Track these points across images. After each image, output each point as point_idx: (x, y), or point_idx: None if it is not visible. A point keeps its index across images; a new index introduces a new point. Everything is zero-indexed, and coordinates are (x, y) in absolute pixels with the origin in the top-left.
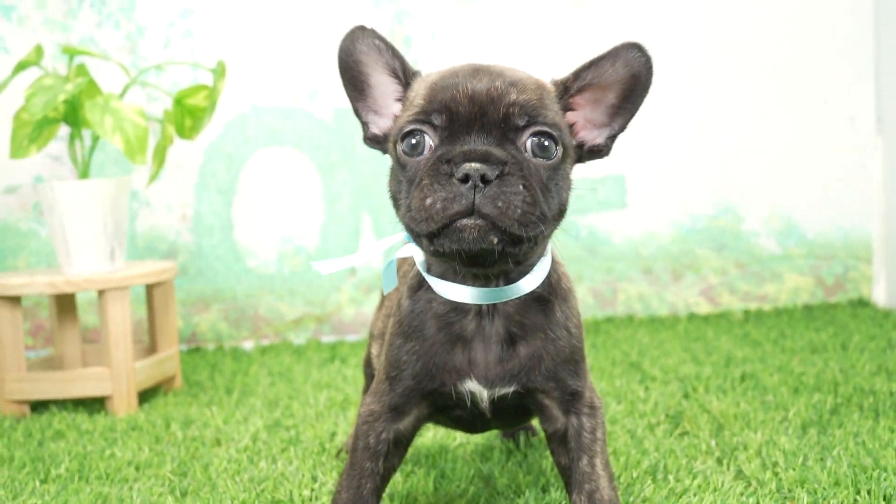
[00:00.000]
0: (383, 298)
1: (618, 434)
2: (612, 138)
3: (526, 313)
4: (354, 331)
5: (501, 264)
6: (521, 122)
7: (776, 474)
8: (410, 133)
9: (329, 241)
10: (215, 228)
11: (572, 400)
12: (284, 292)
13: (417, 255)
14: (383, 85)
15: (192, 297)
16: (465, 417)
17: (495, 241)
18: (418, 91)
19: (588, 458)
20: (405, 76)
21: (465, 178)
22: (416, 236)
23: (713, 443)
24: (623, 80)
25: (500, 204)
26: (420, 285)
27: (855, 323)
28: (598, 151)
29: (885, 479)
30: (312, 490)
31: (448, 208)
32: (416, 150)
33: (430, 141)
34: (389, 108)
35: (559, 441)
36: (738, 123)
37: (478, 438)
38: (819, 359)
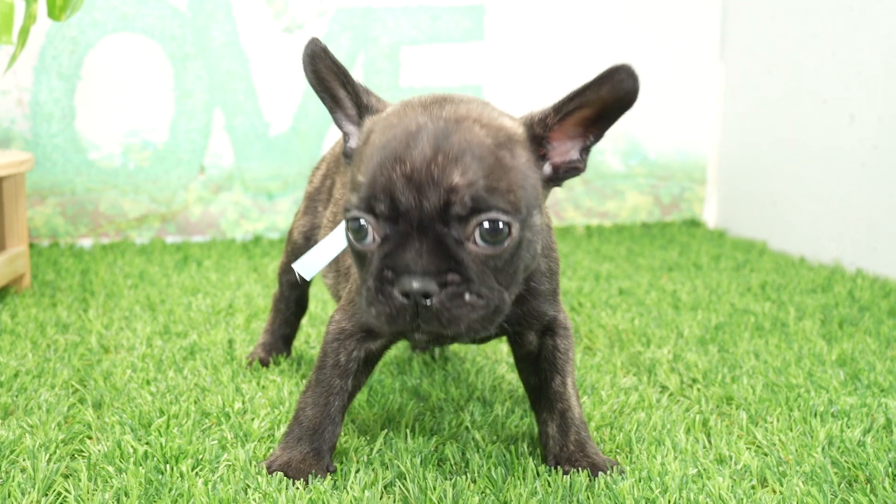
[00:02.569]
0: (307, 201)
1: None
2: (586, 150)
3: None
4: (201, 231)
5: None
6: (464, 213)
7: (700, 391)
8: (355, 219)
9: (178, 137)
10: (55, 116)
11: (549, 324)
12: (128, 188)
13: None
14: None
15: (27, 189)
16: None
17: (451, 335)
18: (363, 160)
19: (560, 377)
20: (359, 108)
21: (406, 295)
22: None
23: (624, 358)
24: (607, 102)
25: (444, 321)
26: None
27: (693, 242)
28: (576, 168)
29: (811, 398)
30: (243, 403)
31: (392, 324)
32: (360, 235)
33: (372, 232)
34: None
35: (530, 361)
36: (590, 45)
37: (392, 350)
38: (683, 277)
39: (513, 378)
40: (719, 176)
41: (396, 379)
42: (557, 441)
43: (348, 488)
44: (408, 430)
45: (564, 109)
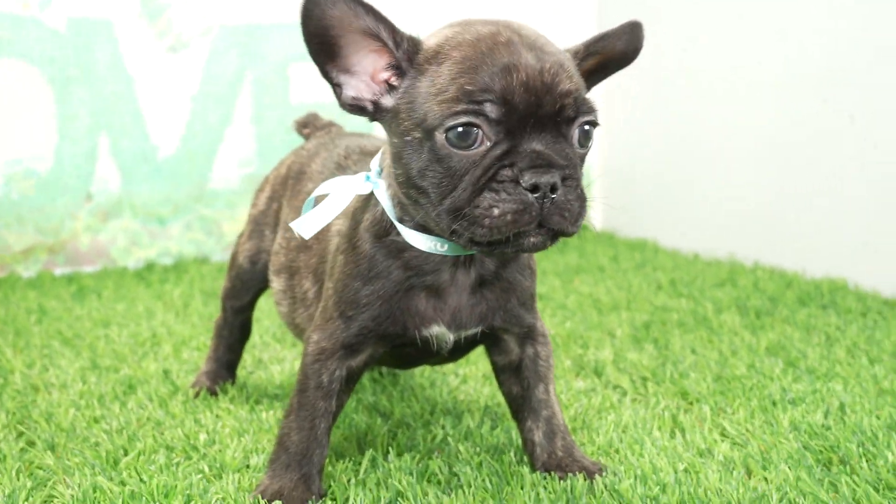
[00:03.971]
0: (252, 225)
1: None
2: None
3: (499, 261)
4: (90, 261)
5: None
6: (573, 114)
7: (654, 389)
8: (461, 124)
9: (64, 164)
10: None
11: (528, 332)
12: (12, 220)
13: (384, 199)
14: (357, 44)
15: None
16: (413, 354)
17: (550, 244)
18: (450, 69)
19: (544, 385)
20: (396, 42)
21: (534, 188)
22: (454, 233)
23: (569, 362)
24: (616, 54)
25: (566, 214)
26: (386, 232)
27: (587, 245)
28: None
29: (762, 387)
30: (208, 434)
31: (518, 221)
32: (465, 141)
33: (482, 136)
34: (366, 67)
35: (512, 371)
36: None
37: None
38: (592, 279)
39: (468, 389)
40: (604, 178)
41: (353, 398)
42: (545, 448)
43: None
44: (389, 448)
45: (591, 48)
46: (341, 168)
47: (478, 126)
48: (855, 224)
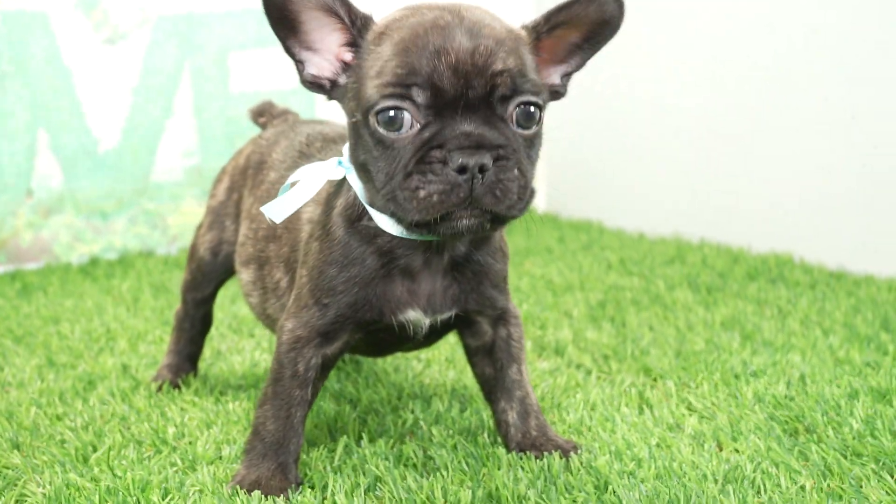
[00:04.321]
0: (211, 216)
1: None
2: (568, 76)
3: (471, 245)
4: (33, 258)
5: None
6: (508, 93)
7: (616, 367)
8: (388, 108)
9: (2, 161)
10: None
11: (501, 314)
12: None
13: (356, 184)
14: (317, 20)
15: None
16: (387, 340)
17: (488, 226)
18: (386, 52)
19: (517, 366)
20: (352, 19)
21: (462, 169)
22: (395, 216)
23: (530, 344)
24: (593, 23)
25: (498, 194)
26: (359, 217)
27: (532, 227)
28: (556, 93)
29: (724, 361)
30: (176, 427)
31: (445, 201)
32: (394, 125)
33: (410, 118)
34: (328, 46)
35: (485, 353)
36: None
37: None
38: (542, 261)
39: (432, 373)
40: (546, 159)
41: None
42: (519, 428)
43: (333, 498)
44: (361, 435)
45: (553, 20)
46: (304, 156)
47: (405, 110)
48: (799, 200)
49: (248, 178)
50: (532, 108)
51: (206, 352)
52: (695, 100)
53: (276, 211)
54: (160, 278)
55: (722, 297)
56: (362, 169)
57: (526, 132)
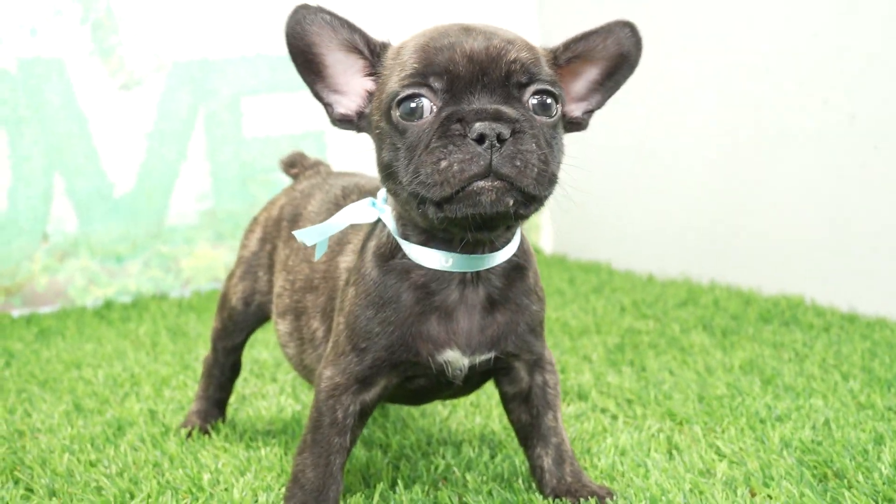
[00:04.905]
0: (244, 266)
1: None
2: (590, 113)
3: (506, 280)
4: (48, 301)
5: (509, 227)
6: (524, 80)
7: (641, 411)
8: (408, 97)
9: (18, 205)
10: None
11: (538, 360)
12: None
13: (389, 221)
14: (341, 62)
15: None
16: (426, 387)
17: (511, 202)
18: (405, 57)
19: (552, 413)
20: (371, 49)
21: (481, 138)
22: (421, 204)
23: None
24: (611, 58)
25: (517, 163)
26: (392, 254)
27: (542, 269)
28: (577, 124)
29: (748, 405)
30: (212, 473)
31: (466, 170)
32: (415, 114)
33: (430, 104)
34: (353, 85)
35: (521, 400)
36: None
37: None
38: (555, 303)
39: (459, 418)
40: (553, 202)
41: None
42: (554, 474)
43: None
44: (397, 480)
45: (572, 49)
46: (339, 208)
47: (423, 96)
48: (809, 242)
49: (282, 230)
50: (548, 99)
51: (231, 397)
52: (700, 141)
53: (309, 236)
54: (175, 322)
55: (738, 341)
56: (388, 173)
57: (545, 119)
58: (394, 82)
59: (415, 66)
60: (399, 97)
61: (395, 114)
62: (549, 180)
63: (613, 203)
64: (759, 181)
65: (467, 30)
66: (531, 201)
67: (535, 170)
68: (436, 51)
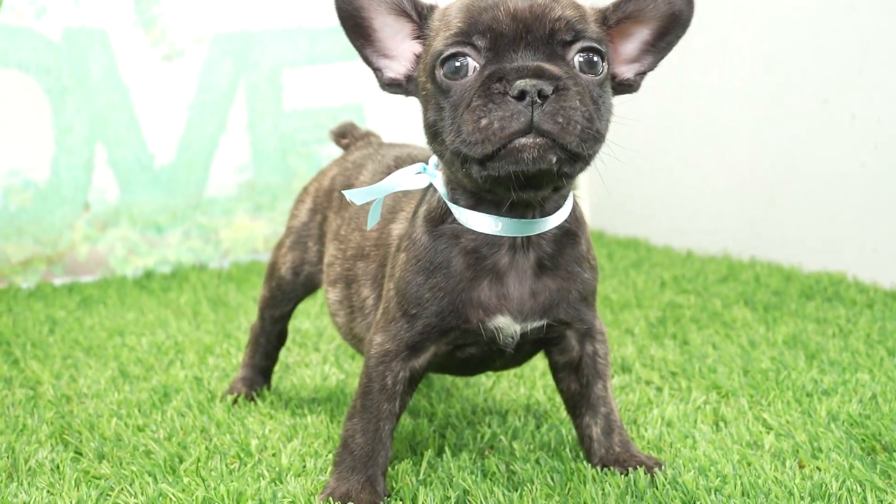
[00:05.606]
0: (293, 236)
1: None
2: (642, 75)
3: (557, 246)
4: (89, 271)
5: (555, 187)
6: (568, 38)
7: (686, 384)
8: (452, 56)
9: (61, 175)
10: None
11: (588, 330)
12: (11, 231)
13: (439, 186)
14: (389, 26)
15: None
16: (477, 356)
17: (554, 160)
18: (450, 17)
19: (602, 382)
20: (418, 11)
21: (522, 95)
22: (465, 163)
23: None
24: (662, 18)
25: (559, 119)
26: (442, 219)
27: None
28: (629, 86)
29: (793, 379)
30: (259, 439)
31: (506, 127)
32: (458, 73)
33: (473, 63)
34: (402, 49)
35: (571, 369)
36: None
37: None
38: None
39: (504, 388)
40: (590, 177)
41: None
42: (602, 443)
43: None
44: (444, 448)
45: (622, 9)
46: None
47: (467, 55)
48: (851, 218)
49: (333, 200)
50: (595, 56)
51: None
52: (740, 116)
53: (357, 196)
54: (216, 292)
55: (780, 316)
56: (433, 132)
57: (590, 77)
58: (439, 42)
59: (459, 25)
60: (443, 56)
61: (440, 73)
62: (594, 138)
63: (652, 179)
64: (799, 157)
65: None
66: (576, 159)
67: (579, 127)
68: (480, 10)
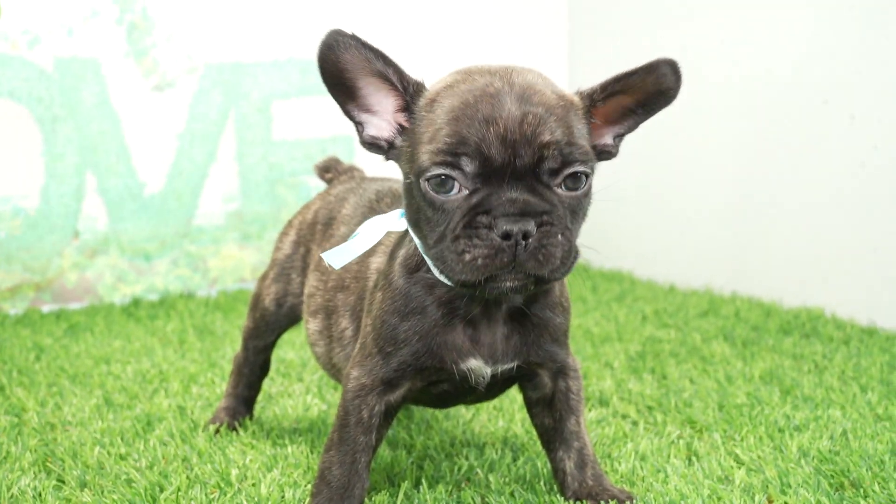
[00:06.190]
0: (277, 268)
1: None
2: (620, 137)
3: (530, 296)
4: (77, 298)
5: None
6: (556, 165)
7: (662, 418)
8: (438, 175)
9: (51, 202)
10: None
11: (561, 367)
12: (0, 258)
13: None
14: (373, 86)
15: None
16: (450, 391)
17: (532, 287)
18: (438, 119)
19: (575, 417)
20: (405, 86)
21: (507, 236)
22: (443, 272)
23: None
24: (649, 93)
25: (541, 258)
26: (417, 267)
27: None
28: (608, 153)
29: (766, 414)
30: (240, 468)
31: (489, 265)
32: (444, 188)
33: (458, 185)
34: (385, 108)
35: (545, 405)
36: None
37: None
38: (577, 311)
39: (482, 421)
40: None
41: None
42: (576, 477)
43: None
44: (421, 480)
45: (610, 89)
46: (374, 211)
47: (454, 178)
48: (830, 256)
49: (316, 233)
50: (581, 175)
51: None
52: (723, 152)
53: (336, 258)
54: (202, 320)
55: (758, 351)
56: (415, 226)
57: (573, 193)
58: (425, 156)
59: (447, 140)
60: (429, 174)
61: (424, 185)
62: (569, 264)
63: (636, 213)
64: (779, 193)
65: (500, 92)
66: (548, 282)
67: (558, 262)
68: (469, 123)
